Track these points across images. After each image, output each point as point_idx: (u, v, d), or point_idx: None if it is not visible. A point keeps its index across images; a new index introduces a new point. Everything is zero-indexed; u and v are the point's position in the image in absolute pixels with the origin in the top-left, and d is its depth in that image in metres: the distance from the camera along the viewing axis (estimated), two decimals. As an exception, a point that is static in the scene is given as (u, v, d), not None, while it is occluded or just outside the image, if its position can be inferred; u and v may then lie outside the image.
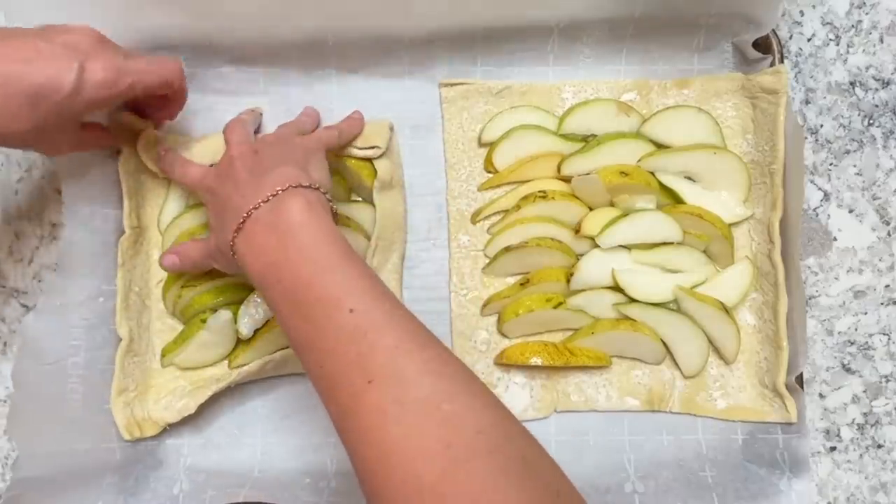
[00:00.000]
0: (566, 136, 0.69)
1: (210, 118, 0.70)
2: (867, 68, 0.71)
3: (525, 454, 0.43)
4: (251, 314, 0.66)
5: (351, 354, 0.46)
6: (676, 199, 0.68)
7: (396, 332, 0.47)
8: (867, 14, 0.71)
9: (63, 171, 0.66)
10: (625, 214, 0.67)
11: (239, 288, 0.67)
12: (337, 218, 0.65)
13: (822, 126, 0.72)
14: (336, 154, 0.67)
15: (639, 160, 0.68)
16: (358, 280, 0.49)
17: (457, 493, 0.40)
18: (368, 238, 0.67)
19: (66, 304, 0.65)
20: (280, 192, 0.53)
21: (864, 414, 0.71)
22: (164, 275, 0.68)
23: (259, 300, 0.66)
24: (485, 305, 0.69)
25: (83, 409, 0.65)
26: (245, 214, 0.53)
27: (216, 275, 0.66)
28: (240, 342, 0.67)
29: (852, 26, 0.71)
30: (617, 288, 0.67)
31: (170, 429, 0.67)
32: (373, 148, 0.67)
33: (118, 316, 0.65)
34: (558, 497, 0.43)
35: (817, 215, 0.72)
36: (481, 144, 0.71)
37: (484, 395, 0.46)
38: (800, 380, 0.67)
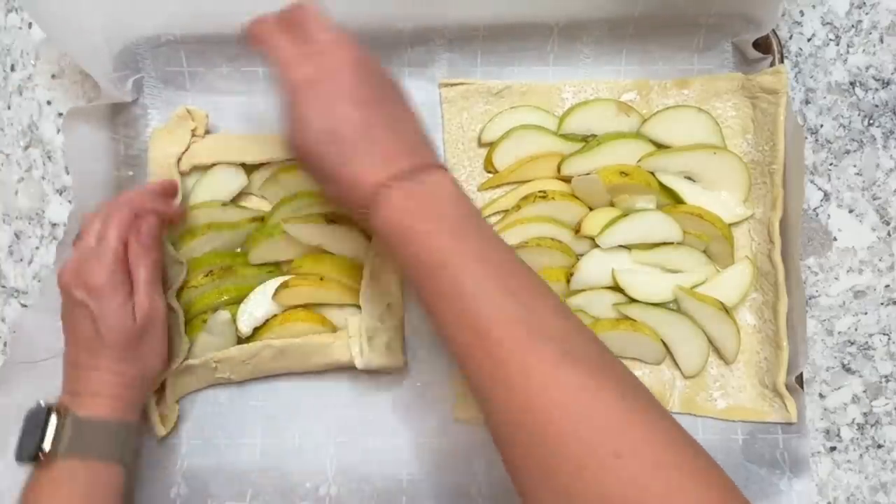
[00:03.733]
0: (566, 136, 0.69)
1: (210, 118, 0.70)
2: (867, 68, 0.71)
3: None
4: (251, 312, 0.66)
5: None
6: (676, 199, 0.68)
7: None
8: (867, 14, 0.71)
9: (73, 170, 0.66)
10: (625, 214, 0.67)
11: (240, 287, 0.67)
12: (337, 218, 0.65)
13: (822, 126, 0.72)
14: None
15: (639, 160, 0.68)
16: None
17: None
18: (369, 238, 0.67)
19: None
20: (419, 170, 0.49)
21: (864, 414, 0.71)
22: None
23: (259, 299, 0.66)
24: (485, 305, 0.69)
25: None
26: (375, 191, 0.48)
27: (217, 275, 0.66)
28: (241, 342, 0.67)
29: (852, 26, 0.71)
30: (617, 288, 0.67)
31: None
32: None
33: None
34: None
35: (817, 215, 0.72)
36: (481, 144, 0.71)
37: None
38: (800, 380, 0.67)
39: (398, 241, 0.48)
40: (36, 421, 0.55)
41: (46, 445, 0.54)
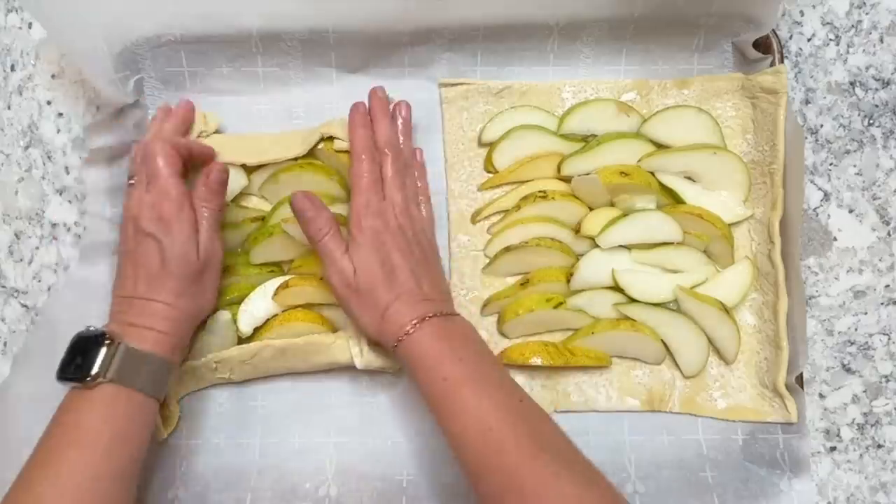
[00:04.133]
0: (566, 136, 0.69)
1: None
2: (867, 68, 0.71)
3: None
4: (251, 312, 0.66)
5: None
6: (676, 199, 0.68)
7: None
8: (867, 14, 0.71)
9: (90, 169, 0.66)
10: (625, 214, 0.67)
11: (241, 287, 0.67)
12: (342, 219, 0.65)
13: (822, 126, 0.72)
14: (335, 150, 0.67)
15: (639, 160, 0.68)
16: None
17: None
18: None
19: (83, 297, 0.66)
20: (448, 314, 0.60)
21: (864, 414, 0.71)
22: None
23: (259, 298, 0.66)
24: (485, 305, 0.69)
25: None
26: (416, 321, 0.58)
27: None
28: (241, 341, 0.67)
29: (852, 26, 0.71)
30: (617, 288, 0.67)
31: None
32: None
33: None
34: None
35: (817, 215, 0.72)
36: (481, 144, 0.71)
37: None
38: (800, 380, 0.67)
39: (425, 363, 0.57)
40: (85, 344, 0.56)
41: (95, 369, 0.55)
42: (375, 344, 0.64)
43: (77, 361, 0.56)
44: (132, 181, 0.62)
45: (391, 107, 0.68)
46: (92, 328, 0.58)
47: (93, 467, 0.53)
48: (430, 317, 0.58)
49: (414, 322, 0.58)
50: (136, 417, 0.57)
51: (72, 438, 0.54)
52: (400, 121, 0.68)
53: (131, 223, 0.61)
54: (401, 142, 0.67)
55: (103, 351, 0.56)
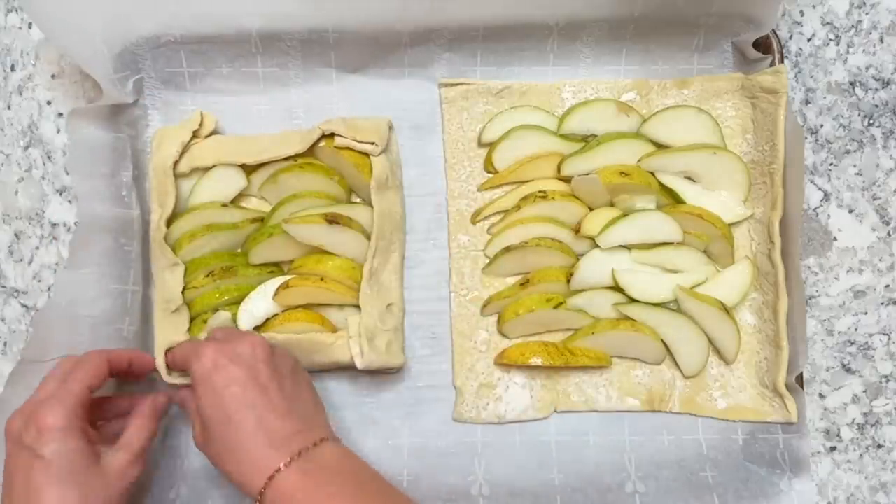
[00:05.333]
0: (566, 136, 0.69)
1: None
2: (867, 68, 0.71)
3: None
4: (251, 312, 0.66)
5: None
6: (676, 199, 0.68)
7: None
8: (867, 14, 0.71)
9: (77, 171, 0.66)
10: (625, 214, 0.67)
11: (241, 287, 0.67)
12: (342, 219, 0.65)
13: (822, 126, 0.72)
14: (336, 147, 0.67)
15: (639, 160, 0.68)
16: None
17: None
18: (369, 238, 0.67)
19: (73, 300, 0.65)
20: (312, 447, 0.54)
21: (864, 414, 0.71)
22: None
23: (259, 298, 0.66)
24: (485, 305, 0.69)
25: None
26: (270, 474, 0.52)
27: (218, 276, 0.66)
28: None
29: (852, 26, 0.71)
30: (617, 288, 0.67)
31: (165, 430, 0.67)
32: (372, 144, 0.67)
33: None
34: None
35: (817, 215, 0.72)
36: (481, 144, 0.71)
37: None
38: (800, 380, 0.67)
39: None
40: None
41: None
42: (376, 341, 0.64)
43: None
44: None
45: None
46: None
47: None
48: (284, 463, 0.52)
49: (269, 471, 0.52)
50: None
51: None
52: None
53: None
54: None
55: None
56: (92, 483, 0.54)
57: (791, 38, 0.72)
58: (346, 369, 0.67)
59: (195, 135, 0.68)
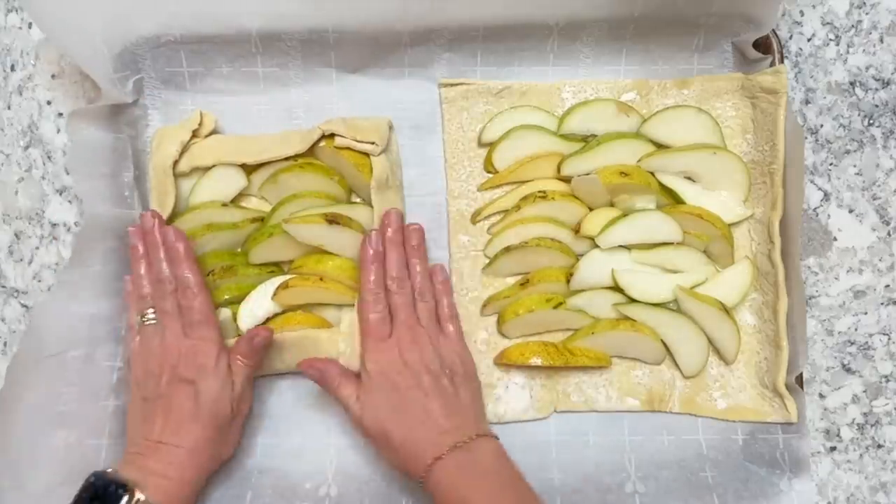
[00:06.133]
0: (566, 137, 0.69)
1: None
2: (867, 68, 0.71)
3: None
4: (252, 312, 0.66)
5: None
6: (676, 200, 0.68)
7: None
8: (867, 14, 0.71)
9: (77, 171, 0.66)
10: (625, 215, 0.67)
11: (241, 287, 0.67)
12: (342, 219, 0.65)
13: (822, 126, 0.72)
14: (336, 147, 0.67)
15: (639, 160, 0.68)
16: None
17: None
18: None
19: (73, 297, 0.65)
20: (469, 441, 0.59)
21: (864, 414, 0.71)
22: None
23: (259, 298, 0.66)
24: (485, 306, 0.69)
25: (77, 402, 0.64)
26: (430, 462, 0.57)
27: (218, 275, 0.66)
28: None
29: (852, 26, 0.71)
30: (617, 288, 0.67)
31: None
32: (372, 144, 0.67)
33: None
34: None
35: (817, 215, 0.72)
36: (481, 144, 0.71)
37: None
38: (800, 380, 0.67)
39: (445, 499, 0.57)
40: (104, 492, 0.55)
41: None
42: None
43: None
44: (149, 321, 0.63)
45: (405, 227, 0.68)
46: (110, 471, 0.57)
47: None
48: (445, 453, 0.57)
49: (431, 459, 0.57)
50: None
51: None
52: (414, 244, 0.67)
53: (168, 369, 0.61)
54: (416, 268, 0.66)
55: (123, 502, 0.55)
56: (224, 424, 0.62)
57: (791, 38, 0.72)
58: (346, 369, 0.67)
59: (195, 134, 0.68)
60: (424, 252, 0.67)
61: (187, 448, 0.59)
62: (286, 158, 0.67)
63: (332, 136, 0.67)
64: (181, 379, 0.60)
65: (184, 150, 0.67)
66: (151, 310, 0.63)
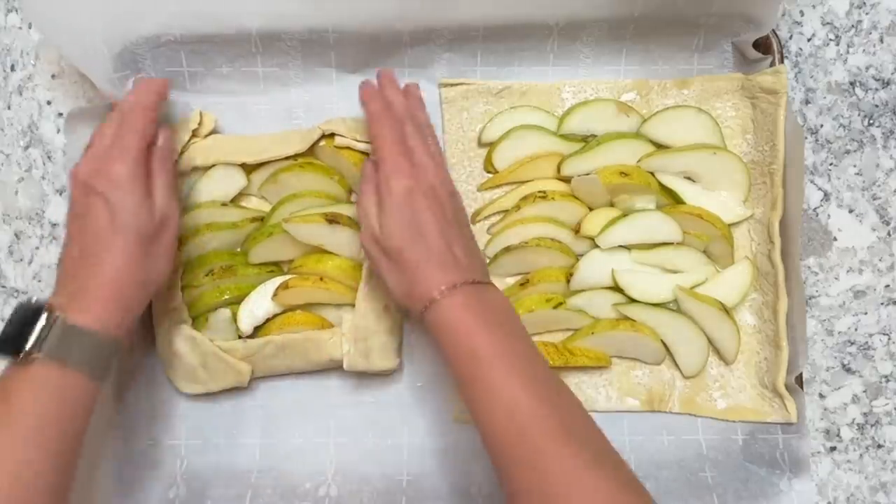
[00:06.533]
0: (566, 137, 0.69)
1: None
2: (867, 68, 0.71)
3: None
4: (251, 312, 0.66)
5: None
6: (676, 200, 0.68)
7: None
8: (867, 14, 0.71)
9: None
10: (624, 215, 0.67)
11: (241, 287, 0.67)
12: (342, 219, 0.65)
13: (822, 126, 0.72)
14: (335, 147, 0.67)
15: (638, 160, 0.68)
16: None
17: None
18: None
19: None
20: (480, 283, 0.57)
21: (864, 414, 0.71)
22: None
23: (259, 298, 0.66)
24: (485, 305, 0.69)
25: None
26: (444, 288, 0.55)
27: (218, 275, 0.66)
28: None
29: (852, 26, 0.71)
30: (617, 288, 0.67)
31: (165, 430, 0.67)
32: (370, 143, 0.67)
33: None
34: None
35: (817, 215, 0.72)
36: (481, 145, 0.71)
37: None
38: (800, 380, 0.67)
39: (453, 335, 0.54)
40: (24, 316, 0.53)
41: (28, 345, 0.52)
42: (365, 343, 0.64)
43: (13, 335, 0.52)
44: (88, 145, 0.60)
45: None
46: (34, 299, 0.54)
47: (21, 451, 0.49)
48: (460, 284, 0.54)
49: (442, 288, 0.54)
50: (71, 399, 0.52)
51: (0, 420, 0.51)
52: (413, 97, 0.65)
53: (79, 183, 0.57)
54: (424, 120, 0.65)
55: (39, 325, 0.52)
56: (146, 237, 0.57)
57: (791, 38, 0.72)
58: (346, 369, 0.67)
59: (194, 134, 0.68)
60: (423, 103, 0.66)
61: (108, 263, 0.55)
62: (286, 158, 0.67)
63: (332, 135, 0.67)
64: (95, 192, 0.56)
65: (183, 149, 0.67)
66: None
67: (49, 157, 0.73)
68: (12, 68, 0.73)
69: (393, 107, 0.62)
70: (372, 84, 0.65)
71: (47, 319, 0.52)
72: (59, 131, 0.73)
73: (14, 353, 0.52)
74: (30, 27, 0.73)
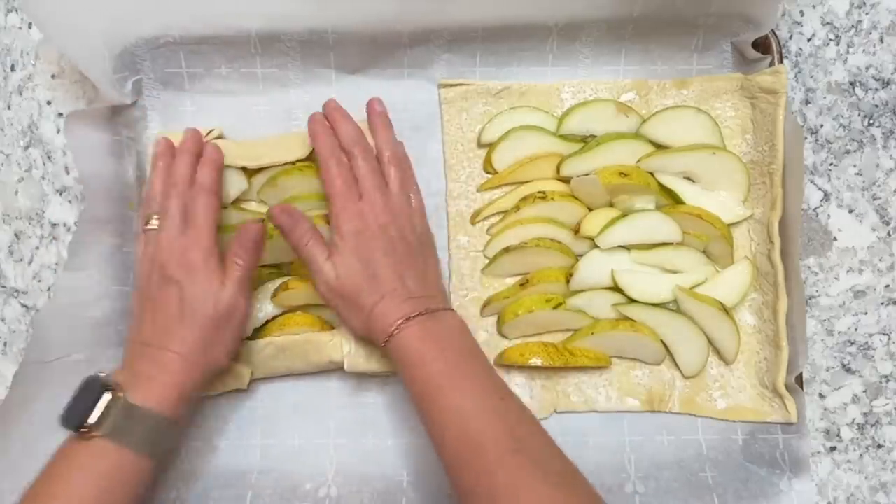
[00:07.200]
0: (565, 137, 0.69)
1: (209, 119, 0.70)
2: (867, 68, 0.71)
3: None
4: (251, 313, 0.66)
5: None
6: (676, 200, 0.68)
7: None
8: (867, 14, 0.71)
9: (77, 172, 0.66)
10: (624, 215, 0.67)
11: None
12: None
13: (822, 126, 0.72)
14: None
15: (638, 160, 0.68)
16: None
17: None
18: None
19: (74, 302, 0.65)
20: (437, 311, 0.60)
21: (864, 414, 0.71)
22: None
23: (259, 300, 0.66)
24: (484, 306, 0.69)
25: None
26: (400, 322, 0.58)
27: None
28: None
29: (852, 26, 0.71)
30: (616, 288, 0.67)
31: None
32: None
33: None
34: None
35: (817, 215, 0.72)
36: (480, 145, 0.71)
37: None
38: (800, 380, 0.67)
39: (409, 364, 0.57)
40: (90, 391, 0.55)
41: (91, 419, 0.54)
42: (366, 344, 0.65)
43: (79, 409, 0.55)
44: (151, 226, 0.62)
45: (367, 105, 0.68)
46: (102, 374, 0.57)
47: None
48: (413, 316, 0.58)
49: (398, 322, 0.58)
50: (126, 476, 0.55)
51: (56, 491, 0.53)
52: (376, 116, 0.67)
53: (157, 268, 0.60)
54: (383, 138, 0.66)
55: (103, 401, 0.55)
56: (210, 326, 0.59)
57: (791, 38, 0.72)
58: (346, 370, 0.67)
59: None
60: (387, 122, 0.67)
61: (174, 351, 0.58)
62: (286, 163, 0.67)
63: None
64: (168, 279, 0.59)
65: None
66: (157, 215, 0.62)
67: (49, 157, 0.73)
68: (12, 68, 0.73)
69: (342, 141, 0.64)
70: (320, 120, 0.65)
71: (112, 396, 0.55)
72: (59, 131, 0.73)
73: (77, 427, 0.54)
74: (30, 27, 0.73)
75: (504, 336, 0.69)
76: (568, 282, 0.67)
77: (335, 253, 0.61)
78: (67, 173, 0.73)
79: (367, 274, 0.60)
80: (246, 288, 0.62)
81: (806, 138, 0.71)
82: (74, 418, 0.54)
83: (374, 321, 0.59)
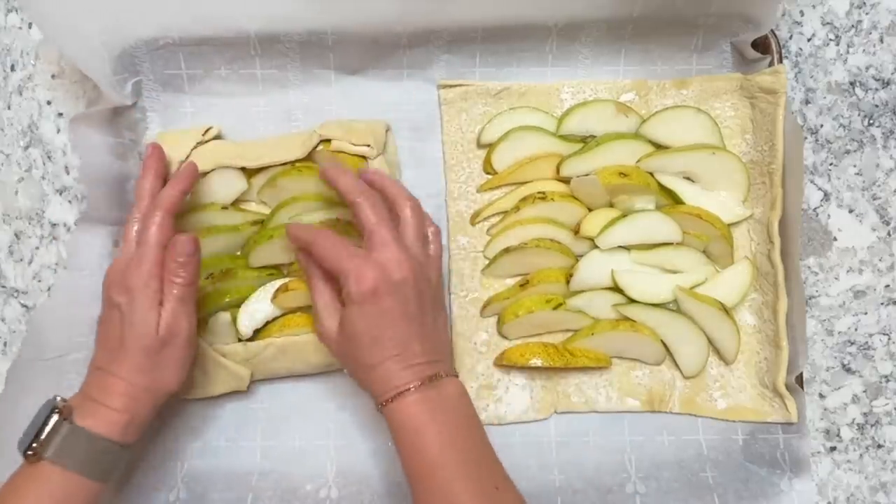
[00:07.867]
0: (565, 137, 0.69)
1: (209, 120, 0.70)
2: (867, 68, 0.71)
3: None
4: (251, 315, 0.66)
5: None
6: (676, 200, 0.68)
7: None
8: (867, 14, 0.71)
9: (79, 173, 0.66)
10: (624, 215, 0.67)
11: (241, 290, 0.67)
12: (340, 224, 0.65)
13: (822, 126, 0.72)
14: (332, 150, 0.67)
15: (638, 161, 0.68)
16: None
17: None
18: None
19: (72, 301, 0.65)
20: (439, 377, 0.58)
21: (864, 414, 0.71)
22: None
23: (258, 301, 0.66)
24: (485, 307, 0.69)
25: None
26: (401, 389, 0.56)
27: (218, 278, 0.66)
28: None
29: (852, 26, 0.71)
30: (617, 289, 0.67)
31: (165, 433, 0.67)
32: (367, 147, 0.67)
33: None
34: None
35: (817, 215, 0.72)
36: (480, 146, 0.71)
37: None
38: (800, 380, 0.67)
39: (404, 432, 0.56)
40: (43, 415, 0.55)
41: (35, 444, 0.54)
42: None
43: (31, 430, 0.54)
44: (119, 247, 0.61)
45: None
46: (58, 398, 0.56)
47: None
48: (415, 384, 0.56)
49: (398, 389, 0.56)
50: (73, 501, 0.54)
51: None
52: (381, 177, 0.64)
53: (104, 292, 0.59)
54: (395, 191, 0.63)
55: (50, 424, 0.54)
56: (150, 350, 0.58)
57: (791, 38, 0.72)
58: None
59: (198, 144, 0.68)
60: (383, 177, 0.64)
61: (118, 376, 0.57)
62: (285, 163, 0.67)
63: (329, 139, 0.67)
64: (111, 303, 0.58)
65: (186, 157, 0.67)
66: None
67: (49, 157, 0.73)
68: (12, 68, 0.73)
69: (346, 193, 0.61)
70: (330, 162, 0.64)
71: (58, 419, 0.55)
72: (59, 131, 0.73)
73: (26, 450, 0.54)
74: (30, 27, 0.73)
75: (504, 336, 0.69)
76: (568, 282, 0.67)
77: (345, 315, 0.58)
78: (67, 173, 0.73)
79: (372, 340, 0.57)
80: (188, 305, 0.60)
81: (806, 138, 0.71)
82: (25, 441, 0.54)
83: (373, 382, 0.58)
